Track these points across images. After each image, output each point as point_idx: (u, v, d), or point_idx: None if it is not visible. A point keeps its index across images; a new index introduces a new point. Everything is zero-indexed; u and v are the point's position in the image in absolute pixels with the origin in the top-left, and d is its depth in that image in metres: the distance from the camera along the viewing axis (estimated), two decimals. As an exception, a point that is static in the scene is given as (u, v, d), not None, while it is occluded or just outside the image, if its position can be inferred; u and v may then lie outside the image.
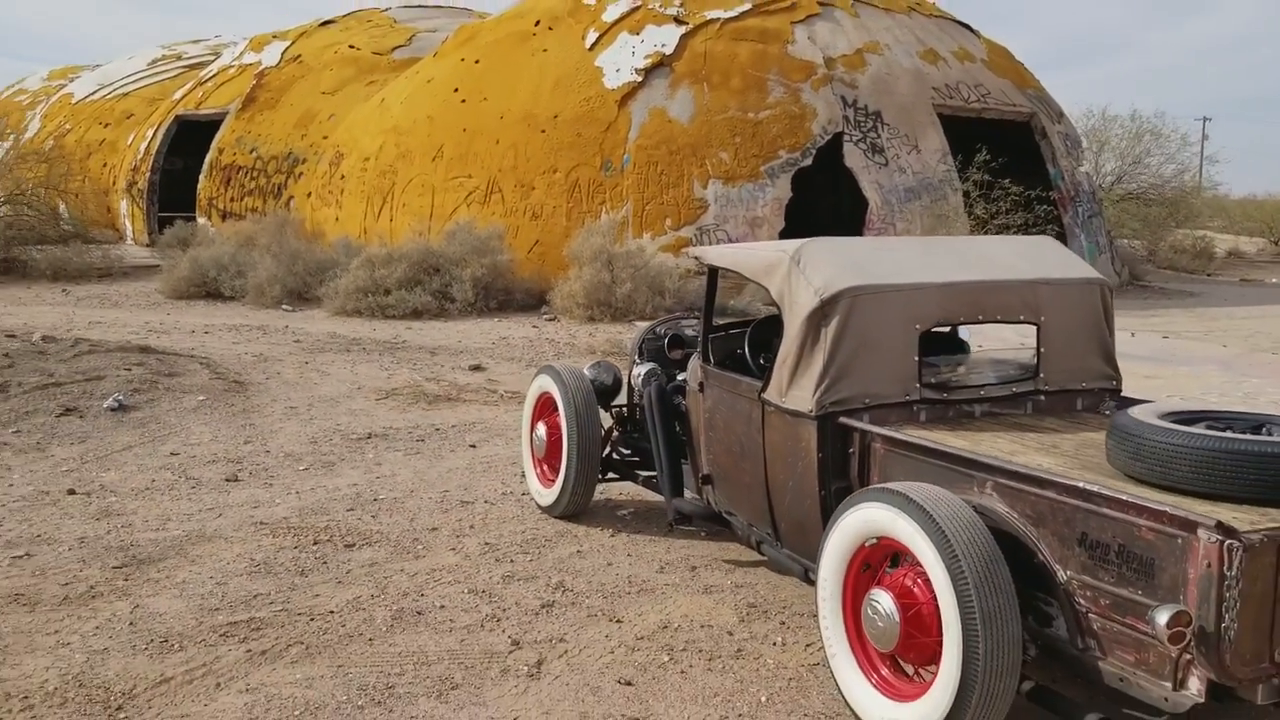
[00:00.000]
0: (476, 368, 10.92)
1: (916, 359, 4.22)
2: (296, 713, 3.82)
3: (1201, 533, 2.89)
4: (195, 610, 4.72)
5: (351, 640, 4.43)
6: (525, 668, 4.20)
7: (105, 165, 30.45)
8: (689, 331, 5.94)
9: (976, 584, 3.23)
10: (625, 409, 6.15)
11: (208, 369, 9.90)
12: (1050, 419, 4.31)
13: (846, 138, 17.25)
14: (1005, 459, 3.58)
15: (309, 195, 22.26)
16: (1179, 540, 2.96)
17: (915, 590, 3.48)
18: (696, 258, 5.44)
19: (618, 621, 4.65)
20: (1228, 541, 2.83)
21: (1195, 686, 2.97)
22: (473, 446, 7.74)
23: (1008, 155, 18.00)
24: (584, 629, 4.57)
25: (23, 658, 4.23)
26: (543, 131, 17.39)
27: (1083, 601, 3.27)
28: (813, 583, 4.02)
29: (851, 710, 3.73)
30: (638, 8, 18.54)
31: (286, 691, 3.97)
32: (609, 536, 5.79)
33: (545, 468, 6.16)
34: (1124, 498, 3.11)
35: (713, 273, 5.17)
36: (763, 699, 3.98)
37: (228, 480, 6.78)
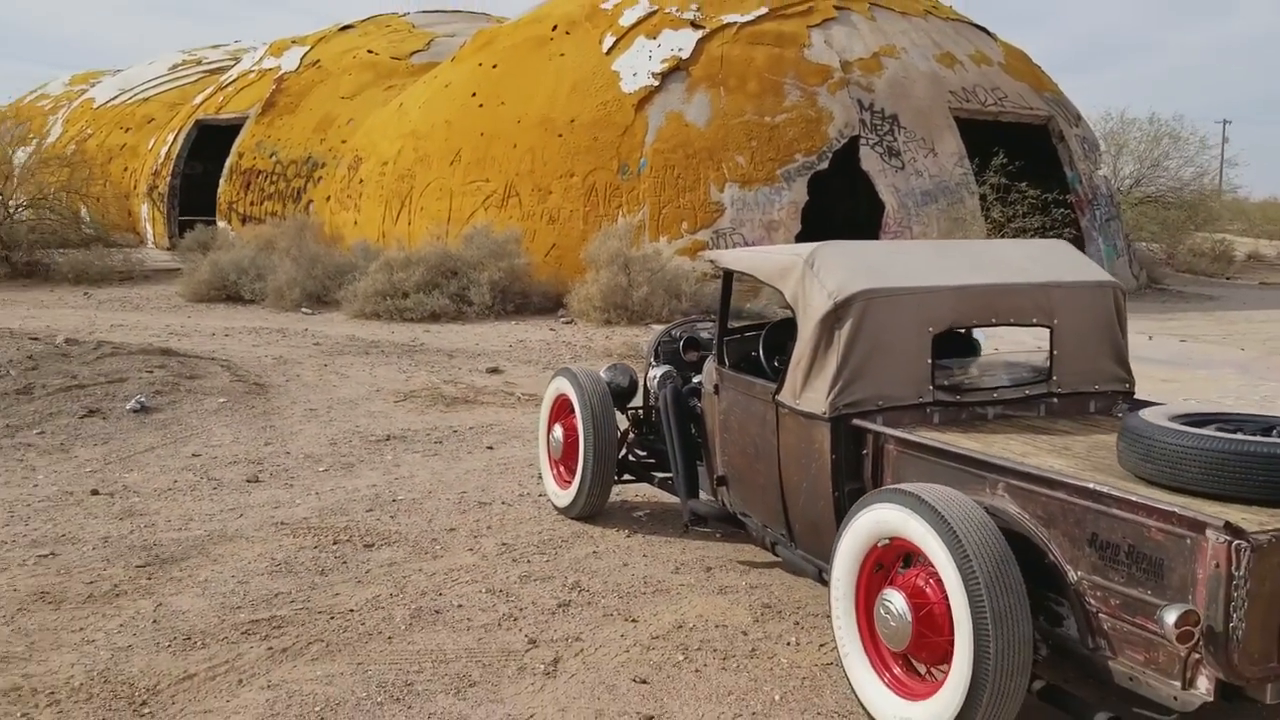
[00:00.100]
0: (494, 370, 10.99)
1: (929, 361, 4.26)
2: (317, 709, 3.88)
3: (1210, 533, 2.92)
4: (217, 608, 4.79)
5: (371, 638, 4.49)
6: (542, 666, 4.25)
7: (126, 169, 30.67)
8: (704, 334, 5.98)
9: (988, 584, 3.26)
10: (641, 411, 6.20)
11: (228, 371, 10.00)
12: (1063, 421, 4.34)
13: (863, 141, 17.27)
14: (1016, 460, 3.61)
15: (328, 199, 22.40)
16: (1188, 541, 2.99)
17: (927, 590, 3.51)
18: (712, 261, 5.49)
19: (633, 621, 4.70)
20: (1236, 542, 2.86)
21: (1204, 686, 3.00)
22: (490, 448, 7.80)
23: (1025, 158, 17.97)
24: (600, 628, 4.62)
25: (49, 654, 4.31)
26: (560, 136, 17.46)
27: (1093, 601, 3.30)
28: (827, 583, 4.05)
29: (864, 709, 3.76)
30: (654, 12, 18.59)
31: (307, 688, 4.04)
32: (625, 537, 5.84)
33: (562, 469, 6.21)
34: (1133, 499, 3.14)
35: (727, 276, 5.21)
36: (776, 697, 4.02)
37: (249, 481, 6.86)
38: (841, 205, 18.15)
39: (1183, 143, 26.92)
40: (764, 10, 18.32)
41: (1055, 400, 4.47)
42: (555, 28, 19.38)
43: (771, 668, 4.26)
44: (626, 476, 6.17)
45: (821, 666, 4.26)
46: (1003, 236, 16.81)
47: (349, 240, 19.34)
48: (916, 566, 3.61)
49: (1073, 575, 3.35)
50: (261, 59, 29.11)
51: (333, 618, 4.69)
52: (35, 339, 10.74)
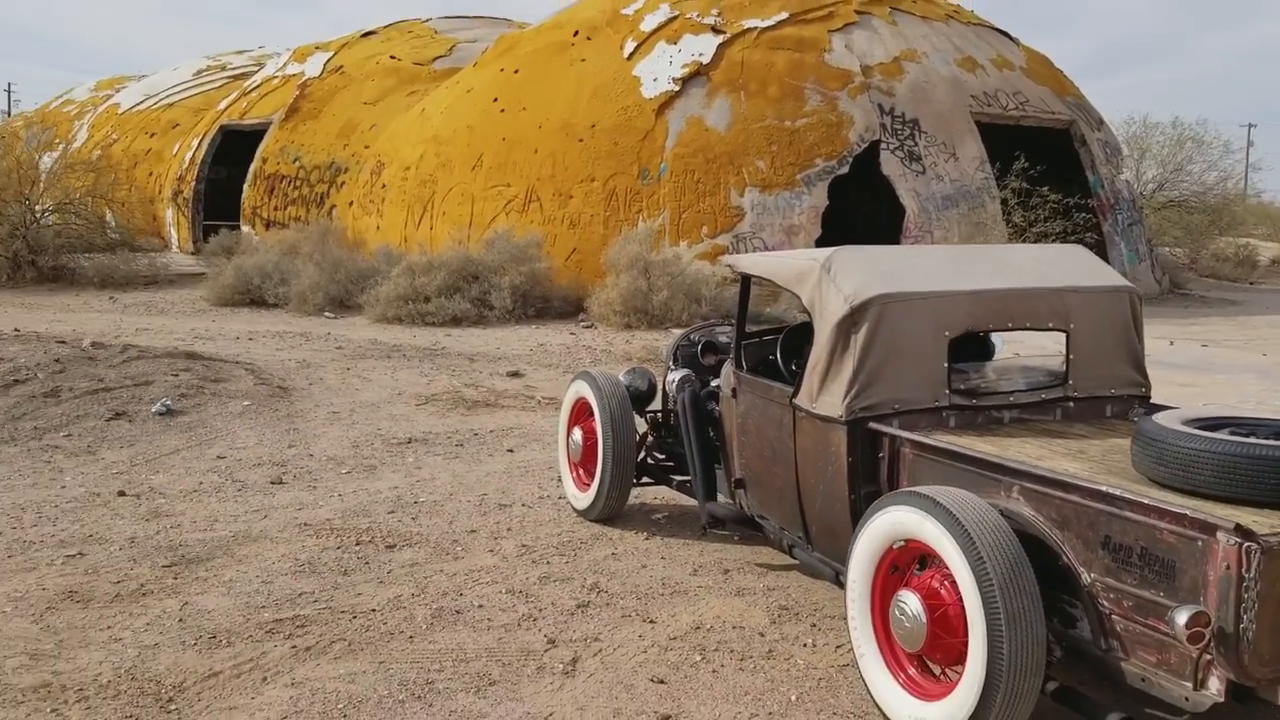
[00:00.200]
0: (514, 374, 11.06)
1: (946, 365, 4.29)
2: (340, 706, 3.95)
3: (1221, 535, 2.95)
4: (242, 608, 4.86)
5: (392, 637, 4.55)
6: (560, 665, 4.31)
7: (151, 174, 30.97)
8: (722, 338, 6.02)
9: (1001, 585, 3.29)
10: (660, 414, 6.24)
11: (252, 375, 10.10)
12: (1079, 425, 4.36)
13: (883, 146, 17.27)
14: (1030, 463, 3.65)
15: (350, 204, 22.56)
16: (1199, 543, 3.02)
17: (942, 592, 3.54)
18: (730, 265, 5.53)
19: (651, 622, 4.74)
20: (1246, 544, 2.89)
21: (1215, 686, 3.03)
22: (510, 451, 7.87)
23: (1046, 163, 17.93)
24: (618, 629, 4.67)
25: (77, 652, 4.38)
26: (581, 141, 17.54)
27: (1106, 603, 3.33)
28: (843, 585, 4.09)
29: (879, 709, 3.80)
30: (675, 17, 18.66)
31: (330, 686, 4.10)
32: (643, 539, 5.88)
33: (581, 472, 6.26)
34: (1145, 501, 3.17)
35: (745, 280, 5.25)
36: (792, 698, 4.06)
37: (273, 483, 6.94)
38: (862, 210, 18.16)
39: (1206, 147, 26.86)
40: (784, 15, 18.36)
41: (1071, 404, 4.49)
42: (576, 33, 19.47)
43: (788, 668, 4.30)
44: (645, 479, 6.21)
45: (838, 668, 4.30)
46: (1024, 241, 16.77)
47: (371, 245, 19.48)
48: (931, 568, 3.65)
49: (1086, 577, 3.38)
50: (285, 65, 29.36)
51: (355, 617, 4.76)
52: (62, 343, 10.86)
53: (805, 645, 4.52)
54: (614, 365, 11.26)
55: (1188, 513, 3.05)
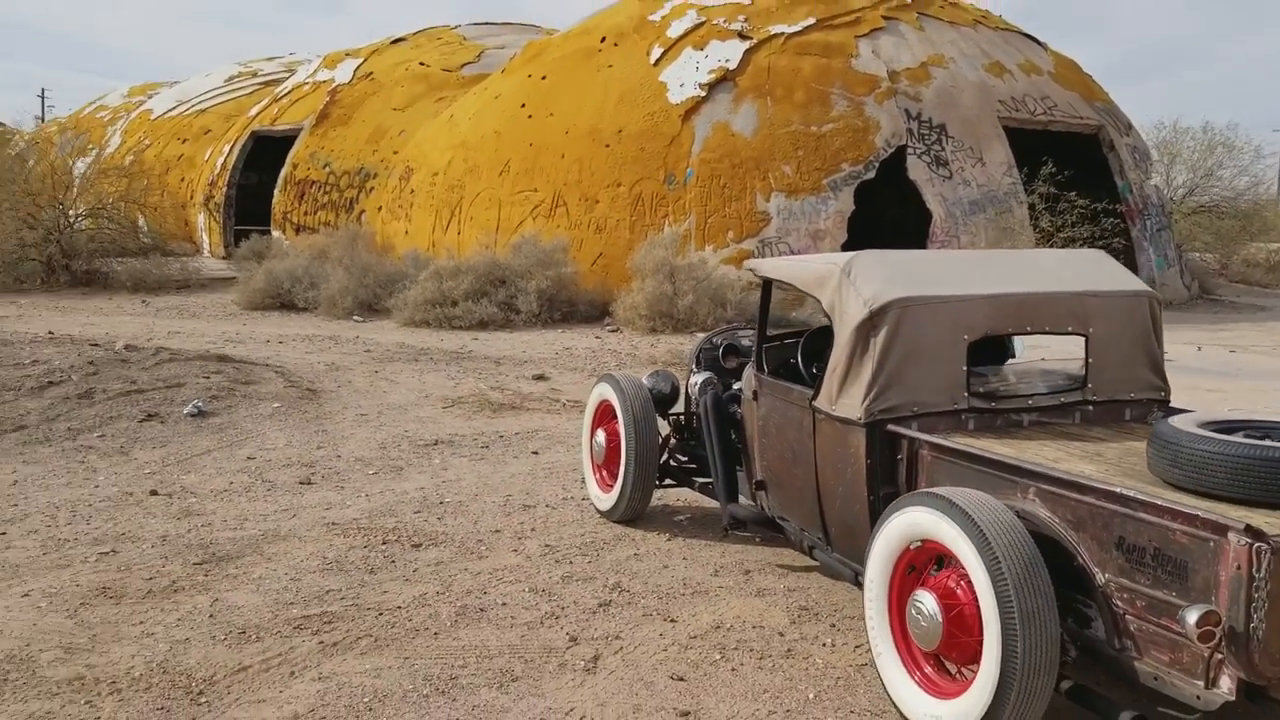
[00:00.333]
0: (540, 377, 11.15)
1: (964, 369, 4.32)
2: (365, 700, 4.03)
3: (1232, 536, 2.98)
4: (271, 604, 4.95)
5: (417, 634, 4.63)
6: (582, 662, 4.37)
7: (183, 180, 31.31)
8: (745, 341, 6.07)
9: (1016, 585, 3.33)
10: (682, 417, 6.29)
11: (282, 377, 10.23)
12: (1097, 428, 4.39)
13: (910, 150, 17.27)
14: (1046, 465, 3.68)
15: (379, 209, 22.74)
16: (1211, 543, 3.05)
17: (958, 591, 3.58)
18: (751, 270, 5.58)
19: (672, 621, 4.80)
20: (1257, 544, 2.92)
21: (1226, 685, 3.06)
22: (535, 453, 7.94)
23: (1074, 168, 17.89)
24: (639, 627, 4.73)
25: (110, 646, 4.48)
26: (607, 146, 17.63)
27: (1120, 603, 3.36)
28: (863, 586, 4.13)
29: (895, 707, 3.84)
30: (702, 24, 18.73)
31: (356, 680, 4.18)
32: (666, 540, 5.94)
33: (604, 474, 6.32)
34: (1159, 502, 3.21)
35: (767, 284, 5.30)
36: (810, 696, 4.11)
37: (301, 483, 7.05)
38: (889, 214, 18.15)
39: (1237, 152, 26.66)
40: (811, 21, 18.40)
41: (1090, 408, 4.51)
42: (604, 39, 19.57)
43: (807, 667, 4.35)
44: (668, 481, 6.26)
45: (856, 667, 4.34)
46: (1051, 246, 16.72)
47: (400, 249, 19.64)
48: (948, 568, 3.69)
49: (1100, 577, 3.41)
50: (316, 71, 29.63)
51: (381, 614, 4.84)
52: (95, 345, 11.04)
53: (824, 645, 4.56)
54: (639, 369, 11.31)
55: (1199, 513, 3.08)
